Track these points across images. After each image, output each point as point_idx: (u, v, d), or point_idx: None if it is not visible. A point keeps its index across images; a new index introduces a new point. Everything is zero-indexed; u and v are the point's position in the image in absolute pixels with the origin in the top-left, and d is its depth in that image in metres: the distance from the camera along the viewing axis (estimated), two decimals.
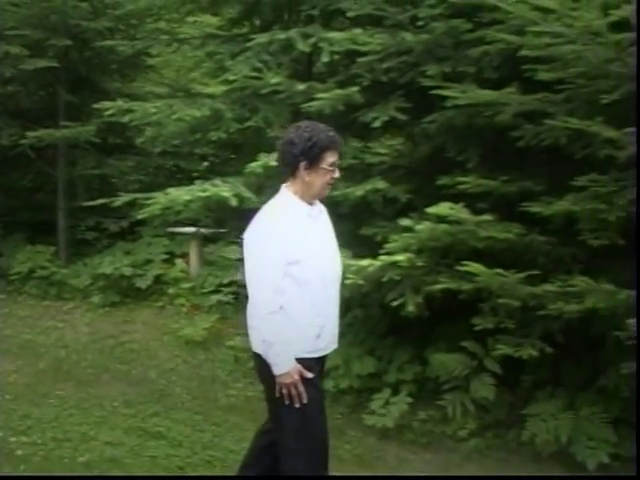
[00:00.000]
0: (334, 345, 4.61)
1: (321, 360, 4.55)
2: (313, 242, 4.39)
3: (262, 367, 4.34)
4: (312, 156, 4.29)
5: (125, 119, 8.54)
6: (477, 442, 6.39)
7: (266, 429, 4.75)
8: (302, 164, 4.30)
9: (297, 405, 4.25)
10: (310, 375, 4.29)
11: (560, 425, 5.98)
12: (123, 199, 8.46)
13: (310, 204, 4.45)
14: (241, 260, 4.52)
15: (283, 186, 4.46)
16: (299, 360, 4.28)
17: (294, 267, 4.24)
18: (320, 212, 4.57)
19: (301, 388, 4.24)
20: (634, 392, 5.64)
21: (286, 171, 4.41)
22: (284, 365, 4.22)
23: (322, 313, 4.41)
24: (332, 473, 5.75)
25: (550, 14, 5.52)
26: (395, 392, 6.82)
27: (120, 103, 8.66)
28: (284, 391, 4.24)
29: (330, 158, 4.34)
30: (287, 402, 4.26)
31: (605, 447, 5.85)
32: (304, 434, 4.35)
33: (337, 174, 4.43)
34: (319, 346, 4.44)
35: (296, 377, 4.23)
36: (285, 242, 4.23)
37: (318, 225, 4.52)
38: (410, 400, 6.70)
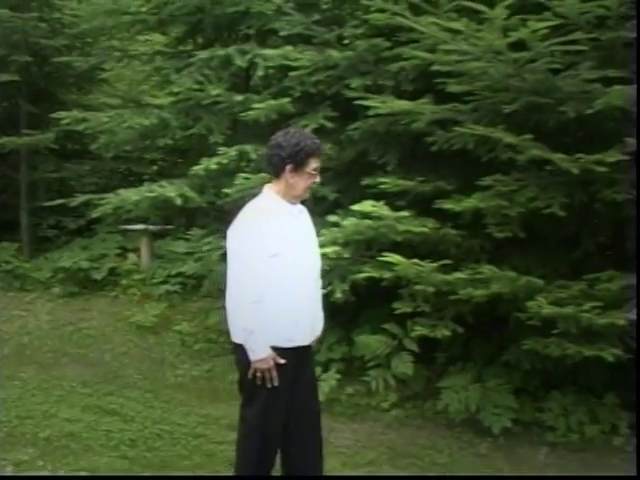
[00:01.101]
0: (312, 338, 4.39)
1: (298, 351, 4.26)
2: (293, 238, 4.24)
3: (240, 355, 4.18)
4: (298, 160, 4.16)
5: (80, 127, 8.53)
6: (398, 412, 6.44)
7: None
8: (288, 167, 4.16)
9: (268, 385, 4.10)
10: (282, 361, 4.11)
11: (470, 395, 6.05)
12: (79, 200, 8.51)
13: (291, 204, 4.29)
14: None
15: (266, 186, 4.34)
16: (275, 349, 4.11)
17: (274, 260, 4.10)
18: (300, 211, 4.40)
19: (274, 373, 4.10)
20: (633, 390, 5.68)
21: (271, 172, 4.28)
22: (261, 351, 4.08)
23: (299, 304, 4.23)
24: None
25: (458, 34, 5.57)
26: (325, 370, 6.84)
27: (75, 113, 8.65)
28: (258, 374, 4.10)
29: (314, 163, 4.22)
30: (259, 383, 4.11)
31: (508, 413, 5.94)
32: (264, 418, 4.21)
33: (318, 179, 4.31)
34: (296, 336, 4.23)
35: (271, 363, 4.08)
36: (266, 236, 4.10)
37: (298, 223, 4.36)
38: (339, 377, 6.74)
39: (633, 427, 5.89)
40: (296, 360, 4.23)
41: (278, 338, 4.15)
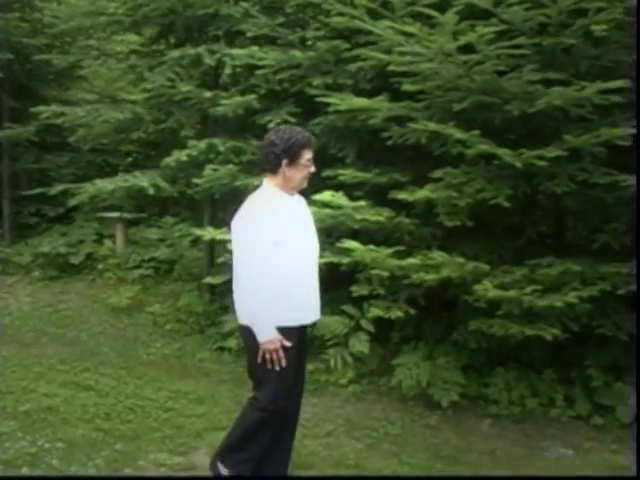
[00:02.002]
0: (316, 316, 4.43)
1: (302, 329, 4.35)
2: (292, 226, 4.25)
3: (247, 337, 4.20)
4: (292, 154, 4.17)
5: (59, 121, 8.43)
6: (355, 388, 6.44)
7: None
8: (284, 161, 4.17)
9: (277, 368, 4.13)
10: (288, 344, 4.14)
11: (421, 372, 6.06)
12: (58, 189, 8.52)
13: (290, 195, 4.31)
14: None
15: (265, 180, 4.33)
16: (281, 328, 4.14)
17: (276, 247, 4.10)
18: (299, 202, 4.43)
19: (281, 354, 4.12)
20: (634, 387, 5.66)
21: (269, 168, 4.26)
22: (267, 333, 4.10)
23: (301, 288, 4.26)
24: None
25: (412, 38, 5.57)
26: None
27: (54, 107, 8.57)
28: (267, 356, 4.11)
29: (307, 154, 4.23)
30: (269, 366, 4.13)
31: (456, 388, 5.96)
32: (276, 400, 4.21)
33: (313, 168, 4.32)
34: (299, 315, 4.28)
35: (277, 344, 4.11)
36: (267, 225, 4.10)
37: (297, 212, 4.37)
38: None
39: (568, 399, 5.96)
40: (300, 339, 4.30)
41: (283, 318, 4.17)
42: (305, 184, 4.36)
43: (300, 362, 4.44)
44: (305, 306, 4.33)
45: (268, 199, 4.24)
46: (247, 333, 4.19)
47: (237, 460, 4.31)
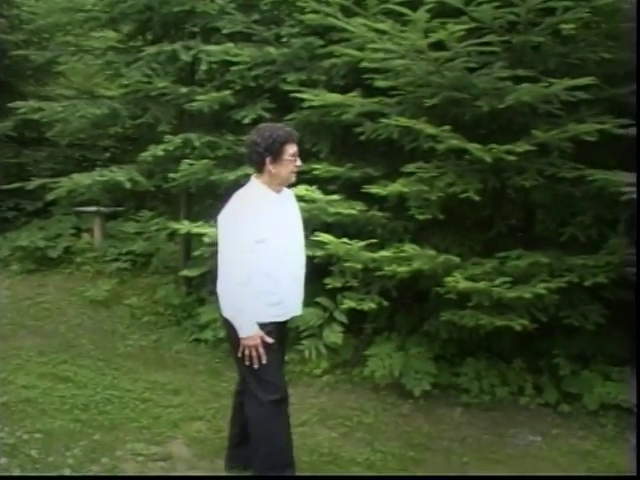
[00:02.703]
0: (296, 312, 4.44)
1: (283, 325, 4.40)
2: (278, 224, 4.22)
3: (230, 330, 4.20)
4: (274, 150, 4.13)
5: (37, 116, 8.33)
6: (328, 378, 6.44)
7: (239, 390, 4.60)
8: (267, 159, 4.13)
9: (256, 366, 4.12)
10: (270, 340, 4.14)
11: (394, 362, 6.06)
12: (36, 183, 8.44)
13: (277, 192, 4.27)
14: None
15: (253, 176, 4.28)
16: (262, 324, 4.14)
17: (261, 245, 4.08)
18: (287, 197, 4.41)
19: (261, 350, 4.10)
20: (634, 386, 5.61)
21: (254, 167, 4.24)
22: (248, 329, 4.09)
23: (284, 285, 4.25)
24: (217, 402, 5.77)
25: (384, 35, 5.56)
26: None
27: (32, 103, 8.48)
28: (246, 352, 4.10)
29: (290, 149, 4.18)
30: (247, 363, 4.13)
31: (428, 378, 5.97)
32: (264, 386, 4.23)
33: (299, 162, 4.28)
34: (280, 312, 4.28)
35: (257, 340, 4.09)
36: (253, 223, 4.07)
37: (284, 209, 4.34)
38: None
39: (537, 388, 6.00)
40: (279, 334, 4.29)
41: (263, 315, 4.16)
42: (293, 179, 4.32)
43: (282, 354, 4.46)
44: (287, 303, 4.31)
45: (255, 196, 4.20)
46: (229, 326, 4.19)
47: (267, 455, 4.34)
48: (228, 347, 4.48)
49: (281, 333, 4.38)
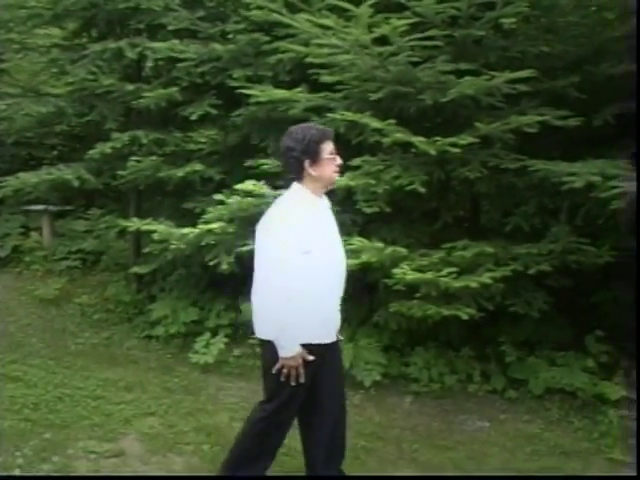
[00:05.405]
0: (334, 334, 3.98)
1: (323, 348, 3.88)
2: (322, 235, 3.83)
3: (267, 351, 3.80)
4: (311, 151, 3.75)
5: None
6: None
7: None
8: (306, 162, 3.76)
9: (293, 383, 3.76)
10: (311, 358, 3.76)
11: (345, 354, 6.00)
12: None
13: (320, 197, 3.90)
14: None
15: (294, 183, 3.87)
16: (304, 346, 3.76)
17: (305, 257, 3.69)
18: (327, 207, 4.00)
19: (301, 371, 3.75)
20: (634, 386, 5.59)
21: (294, 174, 3.84)
22: (291, 349, 3.72)
23: (328, 303, 3.90)
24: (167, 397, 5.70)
25: (329, 30, 5.56)
26: (214, 335, 6.77)
27: None
28: (284, 371, 3.75)
29: (328, 147, 3.80)
30: (283, 379, 3.76)
31: (378, 368, 5.99)
32: (282, 412, 3.92)
33: (339, 160, 3.87)
34: (323, 333, 3.88)
35: (299, 360, 3.73)
36: (297, 233, 3.68)
37: (326, 218, 3.95)
38: (227, 340, 6.68)
39: (484, 375, 6.04)
40: (320, 357, 3.85)
41: (308, 336, 3.79)
42: (336, 178, 3.94)
43: (335, 373, 4.07)
44: (331, 323, 3.97)
45: (298, 203, 3.82)
46: (267, 346, 3.80)
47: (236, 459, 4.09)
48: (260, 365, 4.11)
49: (322, 356, 3.89)
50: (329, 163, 3.82)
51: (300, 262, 3.68)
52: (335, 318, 4.00)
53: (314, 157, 3.78)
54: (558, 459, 4.99)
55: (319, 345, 3.85)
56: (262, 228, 3.82)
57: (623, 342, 5.96)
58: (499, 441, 5.25)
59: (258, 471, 4.07)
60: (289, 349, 3.73)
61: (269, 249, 3.73)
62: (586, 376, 5.71)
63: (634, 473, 4.70)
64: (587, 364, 5.77)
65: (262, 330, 3.82)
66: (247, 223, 6.18)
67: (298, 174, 3.83)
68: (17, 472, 4.59)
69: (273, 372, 3.78)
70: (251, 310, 3.84)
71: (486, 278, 5.22)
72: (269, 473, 4.15)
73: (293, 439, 4.26)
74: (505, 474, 4.80)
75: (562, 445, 5.17)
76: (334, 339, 3.98)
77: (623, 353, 5.92)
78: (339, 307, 4.02)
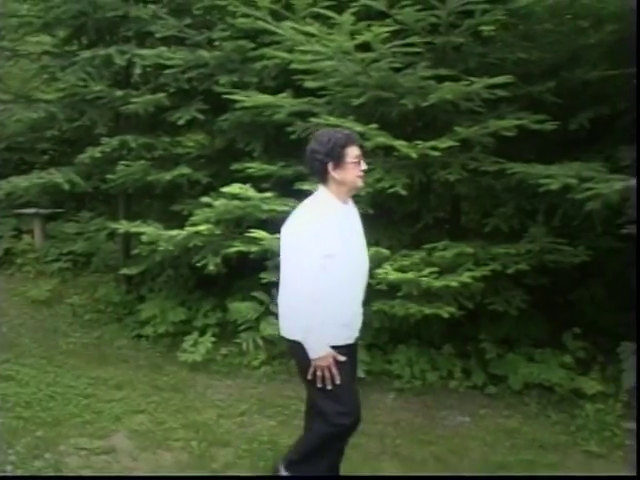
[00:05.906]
0: (357, 334, 4.00)
1: (347, 349, 3.87)
2: (346, 238, 3.82)
3: (297, 351, 3.77)
4: (335, 155, 3.75)
5: None
6: (266, 369, 6.49)
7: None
8: (330, 165, 3.75)
9: (329, 387, 3.72)
10: (342, 358, 3.74)
11: None
12: None
13: (344, 202, 3.89)
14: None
15: (320, 186, 3.87)
16: (334, 347, 3.74)
17: (329, 261, 3.68)
18: (352, 209, 4.00)
19: (334, 371, 3.70)
20: (635, 386, 5.57)
21: (318, 177, 3.86)
22: (320, 350, 3.69)
23: (351, 305, 3.90)
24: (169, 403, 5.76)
25: (313, 37, 5.62)
26: (202, 334, 6.85)
27: None
28: (318, 373, 3.71)
29: (352, 152, 3.79)
30: (319, 385, 3.73)
31: (361, 366, 5.99)
32: (347, 405, 3.83)
33: (364, 166, 3.86)
34: (347, 334, 3.88)
35: (330, 360, 3.70)
36: (322, 236, 3.67)
37: (351, 221, 3.95)
38: (214, 339, 6.76)
39: (465, 372, 6.14)
40: (349, 355, 3.87)
41: (334, 337, 3.78)
42: (360, 183, 3.91)
43: (354, 378, 4.08)
44: (355, 324, 3.98)
45: (322, 206, 3.81)
46: (297, 347, 3.77)
47: (304, 472, 3.99)
48: (296, 370, 4.12)
49: (352, 357, 3.97)
50: (353, 167, 3.82)
51: (324, 265, 3.69)
52: (358, 320, 4.01)
53: (338, 160, 3.78)
54: (536, 452, 5.07)
55: (345, 346, 3.85)
56: (287, 231, 3.82)
57: (599, 338, 6.08)
58: (479, 435, 5.33)
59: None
60: (318, 350, 3.71)
61: (294, 252, 3.74)
62: (563, 372, 5.82)
63: (634, 473, 4.70)
64: (564, 360, 5.88)
65: (290, 331, 3.83)
66: (233, 225, 6.30)
67: (322, 177, 3.84)
68: (10, 469, 4.65)
69: (309, 378, 3.77)
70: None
71: (466, 277, 5.29)
72: (269, 473, 4.22)
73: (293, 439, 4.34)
74: (488, 468, 4.85)
75: (540, 439, 5.25)
76: (353, 340, 3.99)
77: (599, 349, 6.04)
78: (361, 309, 4.04)
